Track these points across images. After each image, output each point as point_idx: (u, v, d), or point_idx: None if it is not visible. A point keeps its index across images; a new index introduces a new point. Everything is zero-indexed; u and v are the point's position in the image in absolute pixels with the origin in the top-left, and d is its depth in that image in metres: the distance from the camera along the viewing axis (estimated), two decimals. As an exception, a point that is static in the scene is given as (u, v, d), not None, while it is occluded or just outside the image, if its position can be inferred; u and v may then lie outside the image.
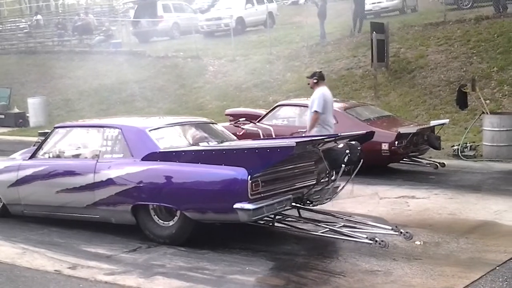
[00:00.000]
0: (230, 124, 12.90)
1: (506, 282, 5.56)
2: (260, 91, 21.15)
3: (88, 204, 7.49)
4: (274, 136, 10.96)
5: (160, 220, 7.11)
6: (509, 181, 10.86)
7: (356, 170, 7.47)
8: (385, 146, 10.99)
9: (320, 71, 10.69)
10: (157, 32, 31.91)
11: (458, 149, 13.36)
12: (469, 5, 24.20)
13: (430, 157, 12.34)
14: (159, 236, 7.09)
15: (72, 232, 7.71)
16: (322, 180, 7.44)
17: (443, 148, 12.75)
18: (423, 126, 12.03)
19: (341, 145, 7.22)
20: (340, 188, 7.73)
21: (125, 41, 31.33)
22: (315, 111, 10.03)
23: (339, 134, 7.56)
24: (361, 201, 9.19)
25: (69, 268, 6.38)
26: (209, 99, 21.75)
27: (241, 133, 11.47)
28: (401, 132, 11.11)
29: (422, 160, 12.05)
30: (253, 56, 24.02)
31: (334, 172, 7.39)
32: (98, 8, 46.20)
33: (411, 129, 11.46)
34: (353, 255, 6.54)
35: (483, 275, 5.76)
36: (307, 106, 12.16)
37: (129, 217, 7.26)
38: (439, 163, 11.73)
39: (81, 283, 5.91)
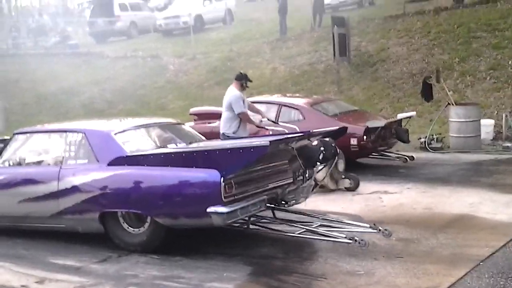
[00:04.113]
0: (196, 124, 12.65)
1: (492, 278, 5.43)
2: (222, 89, 20.64)
3: (52, 213, 7.14)
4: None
5: (130, 227, 6.82)
6: (478, 172, 10.86)
7: (332, 166, 7.31)
8: (353, 141, 10.84)
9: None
10: (114, 31, 31.45)
11: (425, 141, 13.34)
12: (427, -3, 24.41)
13: (398, 151, 12.26)
14: (130, 244, 6.80)
15: (38, 243, 7.34)
16: (297, 179, 7.24)
17: (410, 141, 12.67)
18: (391, 120, 11.96)
19: (315, 143, 7.05)
20: (315, 186, 7.57)
21: (82, 42, 30.79)
22: None
23: (311, 131, 7.38)
24: (333, 199, 9.04)
25: (37, 282, 6.04)
26: (171, 98, 21.42)
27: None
28: (369, 126, 10.97)
29: (391, 154, 11.95)
30: (214, 54, 23.76)
31: (309, 170, 7.23)
32: (53, 9, 45.30)
33: (379, 123, 11.34)
34: (332, 255, 6.34)
35: (468, 272, 5.62)
36: (272, 103, 12.02)
37: (97, 226, 6.94)
38: (408, 156, 11.66)
39: (50, 298, 5.60)
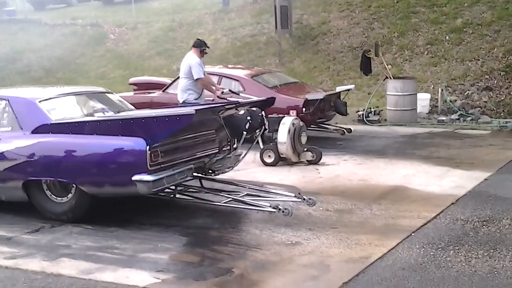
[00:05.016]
0: (135, 93, 12.49)
1: (423, 249, 5.53)
2: (163, 59, 20.68)
3: None
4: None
5: (54, 196, 6.72)
6: (413, 144, 11.07)
7: (258, 137, 7.42)
8: (293, 113, 10.87)
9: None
10: (53, -2, 30.64)
11: (363, 114, 13.52)
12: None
13: (336, 123, 12.38)
14: (54, 213, 6.69)
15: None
16: (224, 149, 7.27)
17: (348, 114, 12.80)
18: (330, 92, 12.02)
19: (241, 112, 7.05)
20: (242, 156, 7.60)
21: (19, 9, 29.89)
22: None
23: (239, 101, 7.38)
24: (272, 170, 9.08)
25: (-35, 253, 5.88)
26: (111, 68, 21.07)
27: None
28: (308, 98, 11.03)
29: (329, 126, 12.08)
30: (155, 23, 23.43)
31: (235, 139, 7.24)
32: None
33: (318, 95, 11.40)
34: (268, 226, 6.36)
35: (400, 242, 5.72)
36: (213, 74, 11.91)
37: (20, 194, 6.80)
38: (345, 128, 11.82)
39: (-21, 270, 5.45)
